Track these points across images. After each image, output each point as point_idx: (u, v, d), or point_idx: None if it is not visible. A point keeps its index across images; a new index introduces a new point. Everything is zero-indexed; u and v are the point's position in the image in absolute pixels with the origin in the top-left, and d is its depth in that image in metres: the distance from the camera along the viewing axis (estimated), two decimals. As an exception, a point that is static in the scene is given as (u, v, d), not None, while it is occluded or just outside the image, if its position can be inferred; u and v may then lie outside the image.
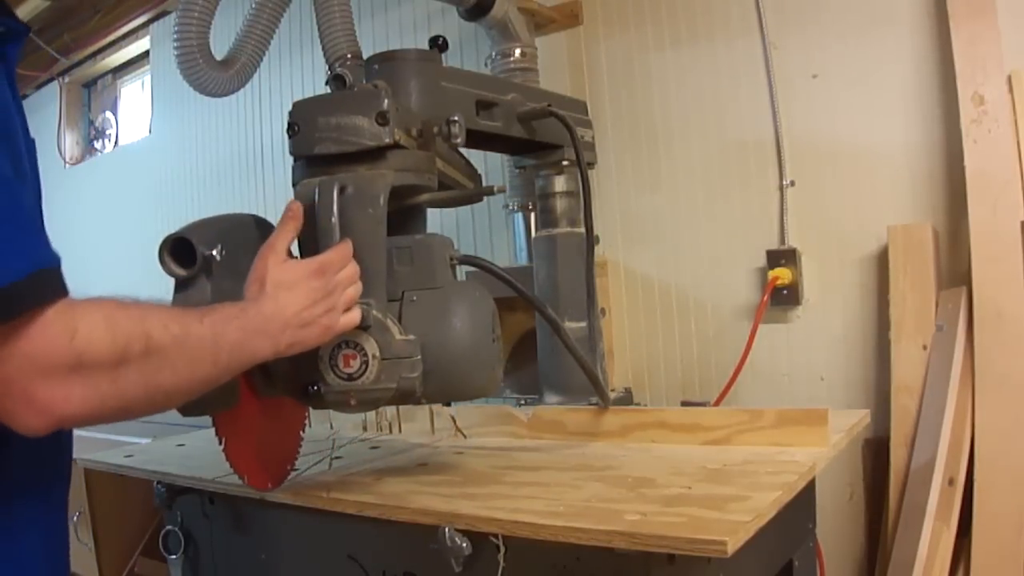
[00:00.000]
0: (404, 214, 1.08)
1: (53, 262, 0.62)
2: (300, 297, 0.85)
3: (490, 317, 1.02)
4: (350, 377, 0.95)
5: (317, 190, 0.96)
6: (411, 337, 0.96)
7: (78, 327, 0.61)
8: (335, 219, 0.94)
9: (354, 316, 0.92)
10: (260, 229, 0.98)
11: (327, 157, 0.99)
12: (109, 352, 0.63)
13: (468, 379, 1.00)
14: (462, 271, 1.13)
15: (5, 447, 0.68)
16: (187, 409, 0.87)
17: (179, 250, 0.91)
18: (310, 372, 0.95)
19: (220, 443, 1.03)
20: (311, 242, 0.95)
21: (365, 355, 0.94)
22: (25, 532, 0.72)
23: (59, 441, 0.77)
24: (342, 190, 0.96)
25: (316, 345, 0.89)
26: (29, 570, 0.72)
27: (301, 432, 1.17)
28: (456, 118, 1.08)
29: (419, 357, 0.96)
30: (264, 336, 0.81)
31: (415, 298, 0.99)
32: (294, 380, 0.97)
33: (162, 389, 0.69)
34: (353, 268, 0.92)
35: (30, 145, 0.74)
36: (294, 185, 1.02)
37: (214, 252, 0.91)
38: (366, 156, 0.98)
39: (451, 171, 1.17)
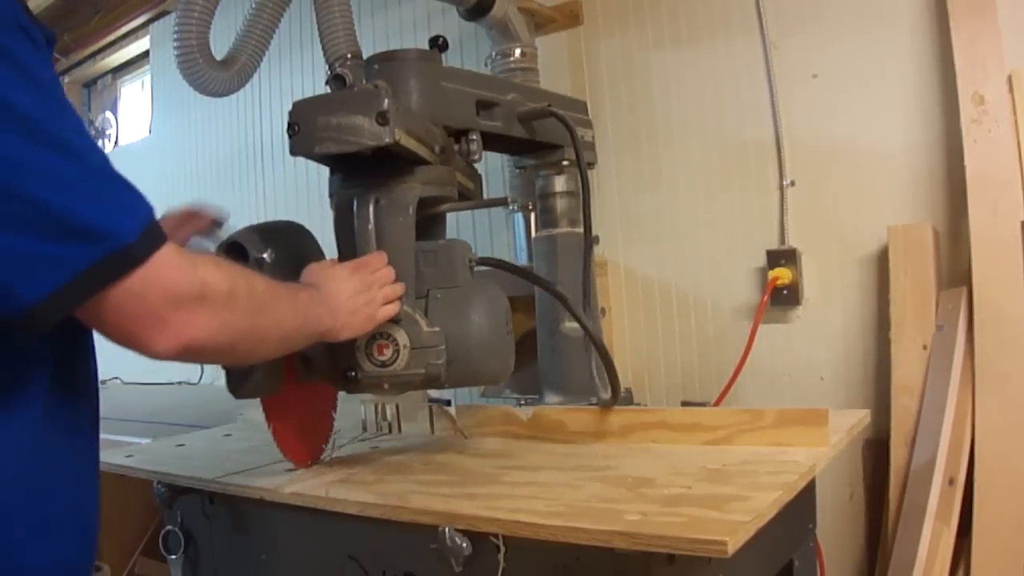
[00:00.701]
0: (428, 221, 1.18)
1: (154, 212, 0.68)
2: (346, 287, 0.98)
3: (504, 312, 1.14)
4: (383, 364, 1.07)
5: (355, 202, 1.07)
6: (437, 329, 1.08)
7: (196, 262, 0.70)
8: (371, 226, 1.06)
9: (392, 308, 1.05)
10: (299, 234, 1.12)
11: (359, 168, 1.08)
12: (224, 286, 0.72)
13: (485, 366, 1.13)
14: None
15: (23, 397, 0.68)
16: (241, 391, 1.04)
17: (232, 254, 1.02)
18: (347, 359, 1.07)
19: (268, 425, 1.17)
20: (350, 248, 1.07)
21: (397, 345, 1.07)
22: (55, 486, 0.71)
23: (88, 395, 0.77)
24: (376, 202, 1.07)
25: (362, 332, 1.01)
26: (56, 528, 0.71)
27: (333, 415, 1.29)
28: (474, 137, 1.22)
29: (444, 347, 1.08)
30: (326, 309, 0.94)
31: (439, 295, 1.11)
32: (333, 367, 1.09)
33: (260, 330, 0.79)
34: (389, 270, 1.05)
35: None
36: (331, 196, 1.13)
37: (265, 255, 1.04)
38: (396, 170, 1.09)
39: (459, 176, 1.22)
